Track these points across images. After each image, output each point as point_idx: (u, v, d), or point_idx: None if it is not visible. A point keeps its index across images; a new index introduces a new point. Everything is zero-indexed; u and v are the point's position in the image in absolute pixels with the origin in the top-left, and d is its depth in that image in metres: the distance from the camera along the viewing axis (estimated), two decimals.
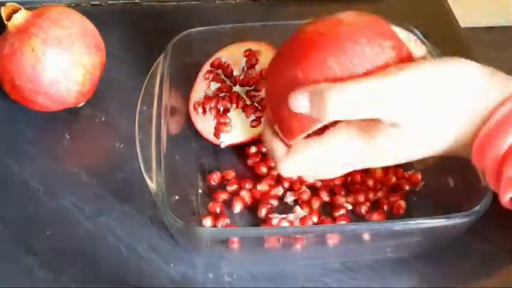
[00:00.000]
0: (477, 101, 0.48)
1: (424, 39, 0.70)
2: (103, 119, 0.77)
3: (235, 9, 0.91)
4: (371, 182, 0.69)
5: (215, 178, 0.70)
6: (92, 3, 0.91)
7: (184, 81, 0.75)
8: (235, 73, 0.75)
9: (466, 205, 0.57)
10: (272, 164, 0.70)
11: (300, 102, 0.50)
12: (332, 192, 0.69)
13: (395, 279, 0.63)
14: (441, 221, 0.57)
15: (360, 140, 0.51)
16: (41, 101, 0.73)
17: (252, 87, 0.74)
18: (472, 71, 0.48)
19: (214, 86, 0.75)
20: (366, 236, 0.61)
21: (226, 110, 0.73)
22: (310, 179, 0.65)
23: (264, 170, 0.70)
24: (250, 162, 0.71)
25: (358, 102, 0.47)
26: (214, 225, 0.65)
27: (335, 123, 0.52)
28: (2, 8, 0.72)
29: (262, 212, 0.66)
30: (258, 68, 0.75)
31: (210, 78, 0.75)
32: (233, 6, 0.92)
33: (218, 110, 0.73)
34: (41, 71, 0.71)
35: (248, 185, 0.69)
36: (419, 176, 0.69)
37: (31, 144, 0.74)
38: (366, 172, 0.69)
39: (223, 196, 0.68)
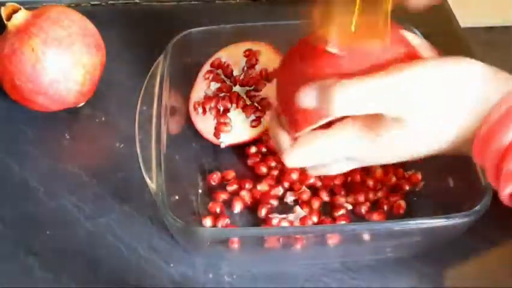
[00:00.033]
0: (479, 99, 0.48)
1: (424, 39, 0.70)
2: (103, 119, 0.77)
3: (235, 9, 0.91)
4: (371, 182, 0.69)
5: (215, 178, 0.70)
6: (92, 3, 0.91)
7: (184, 81, 0.75)
8: (235, 73, 0.75)
9: (466, 205, 0.57)
10: (273, 164, 0.70)
11: (307, 97, 0.51)
12: (332, 192, 0.69)
13: (395, 279, 0.63)
14: (441, 221, 0.57)
15: (365, 136, 0.52)
16: (41, 101, 0.73)
17: (252, 87, 0.74)
18: (476, 70, 0.49)
19: (214, 86, 0.75)
20: (366, 236, 0.61)
21: (226, 110, 0.73)
22: (314, 172, 0.65)
23: (264, 170, 0.70)
24: (250, 162, 0.71)
25: (363, 98, 0.49)
26: (214, 225, 0.65)
27: (341, 118, 0.53)
28: (2, 8, 0.72)
29: (262, 212, 0.66)
30: (258, 68, 0.75)
31: (210, 78, 0.75)
32: (233, 6, 0.92)
33: (218, 110, 0.73)
34: (41, 71, 0.71)
35: (248, 185, 0.69)
36: (419, 176, 0.69)
37: (31, 144, 0.74)
38: (366, 172, 0.69)
39: (223, 196, 0.68)
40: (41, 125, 0.76)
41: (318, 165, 0.56)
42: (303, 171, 0.69)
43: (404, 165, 0.70)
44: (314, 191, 0.68)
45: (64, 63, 0.71)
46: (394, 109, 0.49)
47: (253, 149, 0.72)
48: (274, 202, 0.67)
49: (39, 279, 0.62)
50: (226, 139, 0.72)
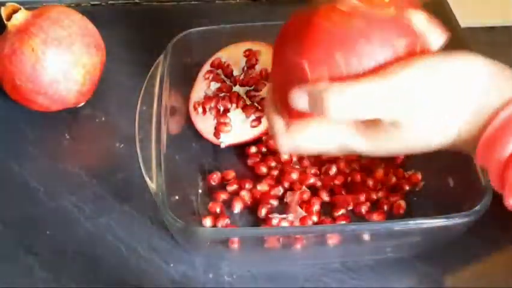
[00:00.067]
0: (483, 98, 0.47)
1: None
2: (103, 119, 0.77)
3: (235, 9, 0.91)
4: (371, 182, 0.69)
5: (215, 178, 0.70)
6: (92, 3, 0.91)
7: (184, 81, 0.75)
8: (235, 73, 0.75)
9: (466, 205, 0.57)
10: (273, 164, 0.70)
11: (300, 100, 0.49)
12: (332, 192, 0.69)
13: (395, 279, 0.63)
14: (441, 221, 0.57)
15: (360, 133, 0.50)
16: (41, 101, 0.73)
17: (252, 87, 0.74)
18: (480, 67, 0.48)
19: (214, 86, 0.75)
20: (366, 236, 0.61)
21: (226, 110, 0.73)
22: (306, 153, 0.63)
23: (264, 170, 0.70)
24: (250, 162, 0.71)
25: (357, 105, 0.47)
26: (214, 225, 0.65)
27: None
28: (2, 8, 0.72)
29: (262, 212, 0.66)
30: (258, 68, 0.75)
31: (210, 78, 0.75)
32: (233, 6, 0.92)
33: (218, 110, 0.73)
34: (41, 71, 0.71)
35: (248, 185, 0.69)
36: (419, 176, 0.69)
37: (31, 144, 0.74)
38: (367, 172, 0.69)
39: (223, 196, 0.68)
40: (41, 125, 0.76)
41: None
42: (303, 171, 0.69)
43: (404, 165, 0.70)
44: (314, 191, 0.68)
45: (63, 63, 0.71)
46: (390, 114, 0.47)
47: (253, 149, 0.72)
48: (274, 202, 0.67)
49: (39, 279, 0.62)
50: (226, 139, 0.72)
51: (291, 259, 0.66)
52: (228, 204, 0.68)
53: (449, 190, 0.65)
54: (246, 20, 0.78)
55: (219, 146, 0.72)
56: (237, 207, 0.67)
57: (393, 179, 0.69)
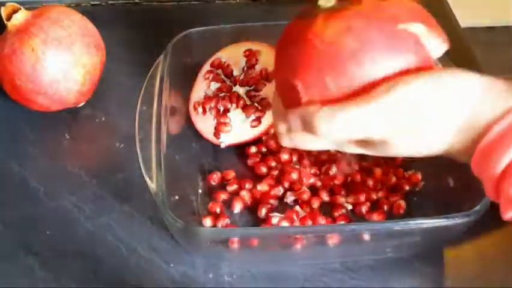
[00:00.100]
0: (475, 113, 0.47)
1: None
2: (103, 119, 0.77)
3: (235, 9, 0.91)
4: (371, 182, 0.69)
5: (215, 178, 0.70)
6: (92, 3, 0.91)
7: (184, 81, 0.75)
8: (235, 73, 0.75)
9: (466, 205, 0.57)
10: (273, 164, 0.70)
11: (294, 124, 0.51)
12: (332, 192, 0.69)
13: (395, 279, 0.63)
14: (441, 221, 0.57)
15: (357, 143, 0.52)
16: (41, 101, 0.73)
17: (252, 87, 0.74)
18: (474, 83, 0.48)
19: (214, 86, 0.75)
20: (366, 236, 0.61)
21: (226, 110, 0.73)
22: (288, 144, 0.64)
23: (264, 170, 0.70)
24: (250, 162, 0.71)
25: (345, 128, 0.49)
26: (214, 225, 0.65)
27: None
28: (2, 8, 0.72)
29: (262, 211, 0.66)
30: (258, 68, 0.75)
31: (210, 78, 0.75)
32: (233, 6, 0.92)
33: (218, 110, 0.73)
34: (41, 71, 0.71)
35: (248, 185, 0.69)
36: (419, 176, 0.69)
37: (31, 144, 0.74)
38: (367, 172, 0.69)
39: (223, 196, 0.68)
40: (41, 125, 0.76)
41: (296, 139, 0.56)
42: (303, 171, 0.69)
43: (404, 165, 0.70)
44: (314, 191, 0.68)
45: (63, 63, 0.71)
46: (377, 135, 0.49)
47: (253, 149, 0.72)
48: (274, 202, 0.67)
49: (39, 279, 0.62)
50: (226, 139, 0.72)
51: (291, 259, 0.66)
52: (228, 204, 0.68)
53: (449, 190, 0.65)
54: (246, 20, 0.78)
55: (219, 146, 0.72)
56: (237, 207, 0.67)
57: (393, 179, 0.69)
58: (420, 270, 0.63)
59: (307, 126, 0.50)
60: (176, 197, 0.65)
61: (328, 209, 0.67)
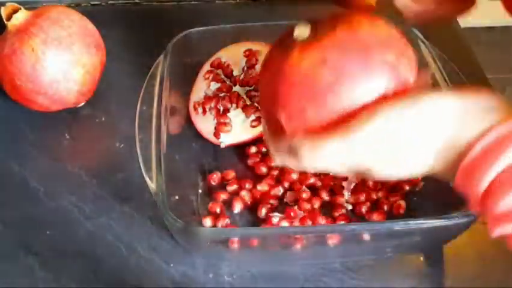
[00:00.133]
0: (455, 133, 0.47)
1: (424, 40, 0.70)
2: (103, 119, 0.77)
3: (235, 9, 0.91)
4: (371, 182, 0.69)
5: (215, 178, 0.70)
6: (92, 3, 0.91)
7: (184, 81, 0.75)
8: (235, 73, 0.75)
9: (466, 205, 0.57)
10: (273, 164, 0.70)
11: (282, 150, 0.52)
12: (332, 192, 0.69)
13: (395, 279, 0.63)
14: (441, 221, 0.57)
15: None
16: (41, 101, 0.73)
17: (252, 87, 0.74)
18: (448, 105, 0.48)
19: (214, 86, 0.75)
20: (366, 236, 0.61)
21: (226, 110, 0.73)
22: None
23: (264, 170, 0.70)
24: (250, 162, 0.71)
25: (328, 159, 0.50)
26: (214, 225, 0.65)
27: None
28: (2, 8, 0.72)
29: (262, 211, 0.66)
30: (258, 68, 0.75)
31: (210, 78, 0.75)
32: (233, 6, 0.92)
33: (218, 110, 0.73)
34: (41, 71, 0.71)
35: (248, 185, 0.69)
36: (419, 176, 0.69)
37: (31, 144, 0.74)
38: None
39: (223, 196, 0.68)
40: (41, 125, 0.76)
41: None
42: (303, 171, 0.69)
43: None
44: (314, 190, 0.68)
45: (63, 63, 0.71)
46: (360, 164, 0.49)
47: (253, 149, 0.72)
48: (274, 202, 0.67)
49: (39, 279, 0.62)
50: (226, 139, 0.72)
51: (291, 259, 0.66)
52: (228, 204, 0.67)
53: (449, 190, 0.65)
54: (246, 20, 0.78)
55: (219, 146, 0.72)
56: (237, 207, 0.67)
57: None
58: (420, 270, 0.63)
59: (293, 155, 0.51)
60: (176, 197, 0.65)
61: (328, 209, 0.67)
